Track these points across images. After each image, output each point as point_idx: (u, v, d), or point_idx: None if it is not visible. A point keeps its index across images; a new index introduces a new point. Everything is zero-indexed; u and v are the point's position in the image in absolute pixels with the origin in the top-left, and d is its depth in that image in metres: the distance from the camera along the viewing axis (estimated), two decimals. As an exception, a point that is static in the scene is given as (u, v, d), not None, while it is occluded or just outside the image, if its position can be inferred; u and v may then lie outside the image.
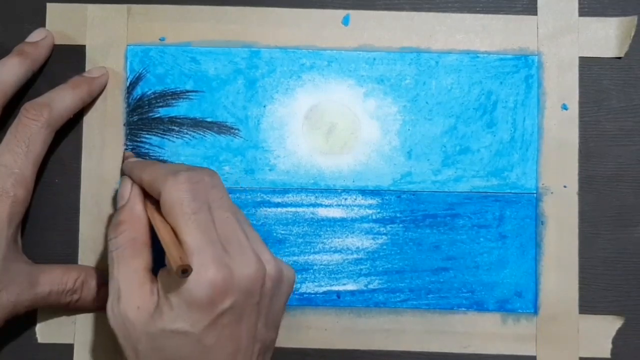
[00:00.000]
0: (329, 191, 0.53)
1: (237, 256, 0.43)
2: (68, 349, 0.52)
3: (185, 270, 0.40)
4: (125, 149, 0.53)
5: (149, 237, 0.46)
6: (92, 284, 0.51)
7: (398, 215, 0.53)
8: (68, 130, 0.53)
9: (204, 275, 0.41)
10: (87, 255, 0.52)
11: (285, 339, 0.52)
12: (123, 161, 0.52)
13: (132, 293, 0.43)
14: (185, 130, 0.53)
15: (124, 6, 0.54)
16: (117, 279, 0.44)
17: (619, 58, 0.54)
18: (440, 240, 0.53)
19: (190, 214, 0.42)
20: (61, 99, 0.50)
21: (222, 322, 0.42)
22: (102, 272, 0.51)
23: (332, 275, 0.53)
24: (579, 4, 0.54)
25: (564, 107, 0.53)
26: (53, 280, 0.49)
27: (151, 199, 0.46)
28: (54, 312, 0.52)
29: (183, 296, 0.41)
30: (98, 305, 0.51)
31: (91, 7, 0.54)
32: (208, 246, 0.42)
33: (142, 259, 0.45)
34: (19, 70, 0.50)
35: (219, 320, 0.42)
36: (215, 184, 0.45)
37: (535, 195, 0.53)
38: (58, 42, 0.53)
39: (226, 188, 0.52)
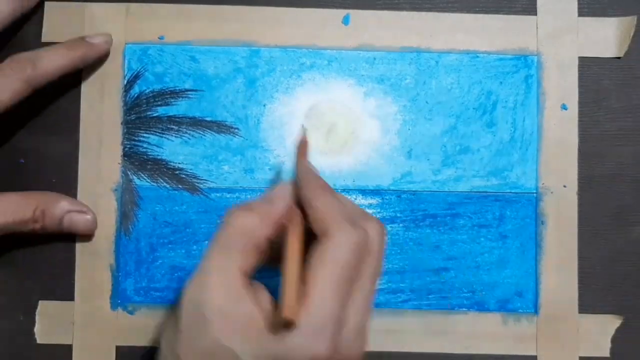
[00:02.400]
0: (329, 191, 0.53)
1: (351, 338, 0.39)
2: (67, 349, 0.52)
3: (287, 325, 0.37)
4: (302, 125, 0.50)
5: (266, 244, 0.41)
6: (55, 212, 0.50)
7: (398, 215, 0.53)
8: (65, 130, 0.53)
9: (312, 347, 0.37)
10: (85, 255, 0.52)
11: (286, 340, 0.52)
12: (298, 145, 0.48)
13: (221, 291, 0.39)
14: (185, 129, 0.53)
15: (123, 5, 0.53)
16: (210, 262, 0.40)
17: (619, 58, 0.54)
18: (440, 240, 0.53)
19: (342, 282, 0.38)
20: (50, 58, 0.49)
21: None
22: (66, 199, 0.51)
23: (332, 276, 0.53)
24: (579, 4, 0.54)
25: (564, 107, 0.53)
26: (7, 211, 0.48)
27: (303, 219, 0.42)
28: (53, 312, 0.52)
29: (276, 345, 0.38)
30: (64, 231, 0.50)
31: (89, 6, 0.53)
32: (333, 321, 0.38)
33: (245, 260, 0.40)
34: None
35: None
36: (380, 248, 0.41)
37: (535, 195, 0.53)
38: (55, 40, 0.53)
39: (226, 188, 0.52)
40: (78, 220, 0.51)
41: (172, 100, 0.53)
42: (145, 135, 0.53)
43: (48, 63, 0.49)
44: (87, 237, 0.52)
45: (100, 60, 0.52)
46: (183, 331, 0.39)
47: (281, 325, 0.37)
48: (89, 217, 0.51)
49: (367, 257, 0.40)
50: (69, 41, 0.51)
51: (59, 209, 0.50)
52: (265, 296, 0.41)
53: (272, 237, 0.41)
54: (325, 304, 0.38)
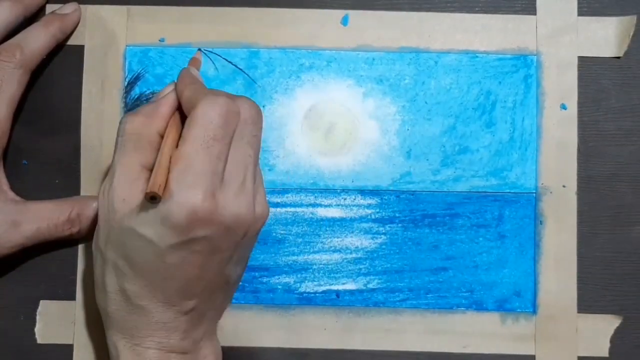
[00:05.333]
0: (328, 191, 0.53)
1: (233, 194, 0.43)
2: (68, 349, 0.52)
3: (154, 198, 0.41)
4: (198, 49, 0.53)
5: (158, 139, 0.45)
6: (90, 213, 0.51)
7: (397, 215, 0.53)
8: (67, 130, 0.53)
9: (188, 199, 0.41)
10: (87, 255, 0.53)
11: (285, 339, 0.53)
12: (190, 60, 0.52)
13: (123, 184, 0.43)
14: (185, 131, 0.53)
15: (124, 7, 0.54)
16: (115, 165, 0.44)
17: (618, 58, 0.54)
18: (439, 240, 0.53)
19: (209, 138, 0.42)
20: (33, 39, 0.51)
21: (193, 248, 0.42)
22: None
23: (332, 275, 0.53)
24: (578, 3, 0.54)
25: (563, 107, 0.53)
26: (41, 216, 0.49)
27: (181, 116, 0.46)
28: (54, 312, 0.53)
29: (161, 209, 0.41)
30: None
31: (90, 8, 0.54)
32: (206, 175, 0.41)
33: (142, 156, 0.44)
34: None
35: (190, 245, 0.42)
36: (255, 121, 0.45)
37: (534, 194, 0.53)
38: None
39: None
40: None
41: (172, 101, 0.53)
42: (146, 136, 0.53)
43: (33, 43, 0.51)
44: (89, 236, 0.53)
45: (73, 29, 0.54)
46: (100, 225, 0.45)
47: (147, 198, 0.41)
48: None
49: (240, 122, 0.44)
50: (44, 19, 0.52)
51: (91, 209, 0.51)
52: None
53: (162, 132, 0.45)
54: (196, 158, 0.41)
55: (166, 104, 0.46)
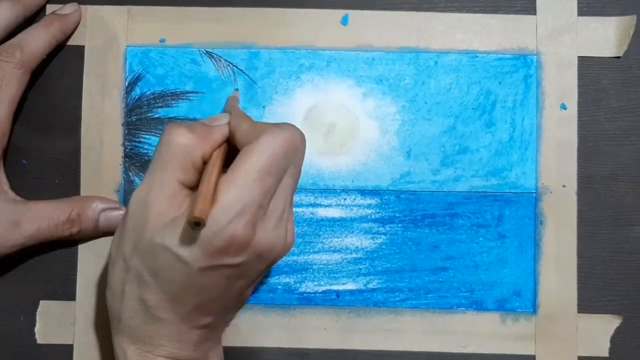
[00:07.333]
0: (328, 191, 0.53)
1: (272, 226, 0.43)
2: (67, 349, 0.52)
3: (198, 224, 0.40)
4: (236, 89, 0.54)
5: (201, 163, 0.44)
6: (90, 213, 0.51)
7: (397, 215, 0.53)
8: (67, 131, 0.53)
9: (231, 228, 0.41)
10: (87, 255, 0.53)
11: (285, 339, 0.53)
12: (229, 99, 0.53)
13: (160, 198, 0.43)
14: (185, 131, 0.53)
15: (124, 7, 0.54)
16: (154, 175, 0.44)
17: (618, 57, 0.54)
18: (439, 240, 0.53)
19: (265, 172, 0.42)
20: (33, 39, 0.51)
21: (223, 272, 0.43)
22: (99, 198, 0.52)
23: (332, 275, 0.53)
24: (578, 3, 0.54)
25: (563, 107, 0.53)
26: (41, 216, 0.50)
27: (229, 148, 0.46)
28: (54, 312, 0.53)
29: (202, 233, 0.41)
30: (103, 232, 0.52)
31: (91, 8, 0.54)
32: (254, 207, 0.42)
33: (184, 174, 0.44)
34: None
35: (221, 269, 0.42)
36: (300, 151, 0.45)
37: (534, 194, 0.53)
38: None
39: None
40: (114, 217, 0.52)
41: (172, 102, 0.54)
42: (146, 136, 0.53)
43: (34, 44, 0.51)
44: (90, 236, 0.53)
45: (74, 29, 0.54)
46: (128, 233, 0.44)
47: (191, 224, 0.40)
48: (123, 212, 0.52)
49: (296, 156, 0.44)
50: (44, 19, 0.52)
51: (92, 210, 0.51)
52: None
53: (207, 158, 0.45)
54: (248, 189, 0.41)
55: (221, 133, 0.46)
